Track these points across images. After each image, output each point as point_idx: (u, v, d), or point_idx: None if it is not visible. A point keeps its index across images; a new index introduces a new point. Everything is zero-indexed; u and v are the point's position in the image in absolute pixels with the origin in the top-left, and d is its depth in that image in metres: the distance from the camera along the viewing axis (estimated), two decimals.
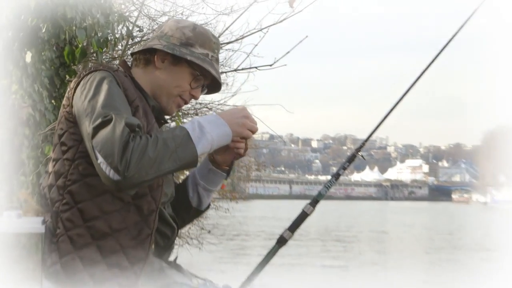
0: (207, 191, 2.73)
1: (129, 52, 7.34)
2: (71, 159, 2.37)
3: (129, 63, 2.66)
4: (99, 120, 2.23)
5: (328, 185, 2.67)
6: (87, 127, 2.26)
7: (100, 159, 2.20)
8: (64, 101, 2.45)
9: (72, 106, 2.39)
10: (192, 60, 2.53)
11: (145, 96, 2.52)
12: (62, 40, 5.26)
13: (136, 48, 2.65)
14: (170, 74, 2.56)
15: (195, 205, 2.75)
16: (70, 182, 2.36)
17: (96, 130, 2.23)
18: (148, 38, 2.70)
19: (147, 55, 2.58)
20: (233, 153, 2.57)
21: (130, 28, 6.15)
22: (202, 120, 2.39)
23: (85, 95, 2.34)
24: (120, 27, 5.68)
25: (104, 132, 2.21)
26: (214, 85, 2.67)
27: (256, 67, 7.98)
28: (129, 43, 7.99)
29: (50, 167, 2.45)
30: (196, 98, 2.63)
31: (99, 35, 5.18)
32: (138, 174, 2.19)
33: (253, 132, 2.48)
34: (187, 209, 2.74)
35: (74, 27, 5.06)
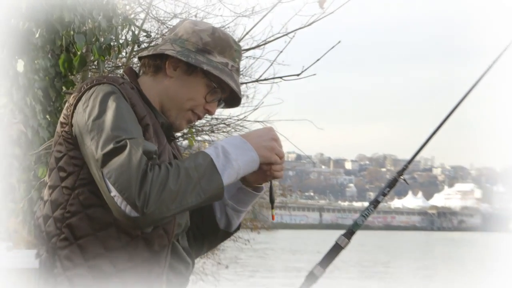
0: (237, 212, 2.68)
1: (137, 56, 7.34)
2: (71, 187, 2.35)
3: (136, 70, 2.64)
4: (111, 146, 2.21)
5: (365, 213, 2.65)
6: (93, 152, 2.24)
7: (114, 192, 2.18)
8: (61, 119, 2.42)
9: (71, 125, 2.36)
10: (209, 70, 2.49)
11: (153, 112, 2.49)
12: (58, 46, 5.29)
13: (145, 52, 2.62)
14: (183, 85, 2.53)
15: (223, 227, 2.71)
16: (69, 214, 2.34)
17: (108, 157, 2.21)
18: (157, 44, 2.67)
19: (158, 61, 2.55)
20: (264, 172, 2.54)
21: (136, 32, 6.18)
22: (227, 145, 2.36)
23: (88, 113, 2.31)
24: (124, 31, 5.71)
25: (118, 161, 2.19)
26: (232, 99, 2.64)
27: (281, 77, 8.00)
28: (135, 49, 8.04)
29: (45, 195, 2.42)
30: (211, 113, 2.60)
31: (100, 41, 5.20)
32: (159, 210, 2.18)
33: (281, 157, 2.46)
34: (214, 231, 2.71)
35: (72, 32, 5.09)
